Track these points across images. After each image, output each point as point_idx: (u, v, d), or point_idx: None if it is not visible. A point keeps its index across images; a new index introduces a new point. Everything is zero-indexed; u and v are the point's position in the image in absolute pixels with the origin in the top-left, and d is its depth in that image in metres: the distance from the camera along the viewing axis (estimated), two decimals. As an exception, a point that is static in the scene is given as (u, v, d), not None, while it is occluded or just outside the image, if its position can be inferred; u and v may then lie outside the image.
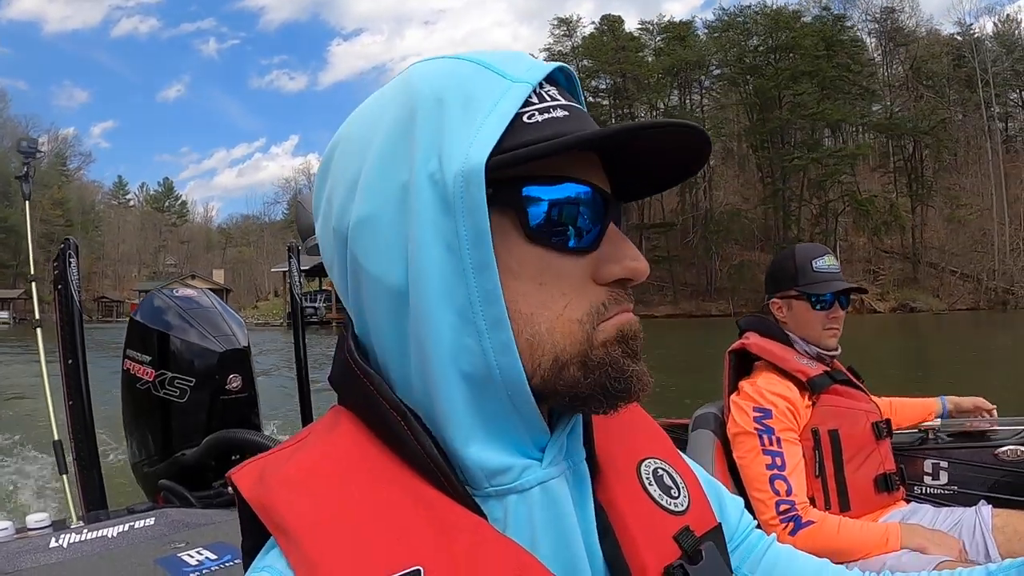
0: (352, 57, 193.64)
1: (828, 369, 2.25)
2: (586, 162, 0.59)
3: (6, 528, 2.19)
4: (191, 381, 2.76)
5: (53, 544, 2.07)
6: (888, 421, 2.28)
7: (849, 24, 71.80)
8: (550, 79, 0.60)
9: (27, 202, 3.18)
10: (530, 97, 0.57)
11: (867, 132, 71.52)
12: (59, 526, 2.29)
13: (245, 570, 0.58)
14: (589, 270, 0.58)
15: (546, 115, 0.56)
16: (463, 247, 0.53)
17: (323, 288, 54.18)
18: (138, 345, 2.84)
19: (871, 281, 61.74)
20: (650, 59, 74.42)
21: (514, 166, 0.53)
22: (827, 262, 2.30)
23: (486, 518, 0.56)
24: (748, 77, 70.95)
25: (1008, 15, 70.83)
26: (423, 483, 0.56)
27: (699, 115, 72.49)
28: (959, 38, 69.87)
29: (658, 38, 77.04)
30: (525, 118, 0.56)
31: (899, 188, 68.59)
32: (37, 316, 3.05)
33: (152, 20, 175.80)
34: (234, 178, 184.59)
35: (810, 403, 2.18)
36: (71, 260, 2.79)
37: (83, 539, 2.12)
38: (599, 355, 0.57)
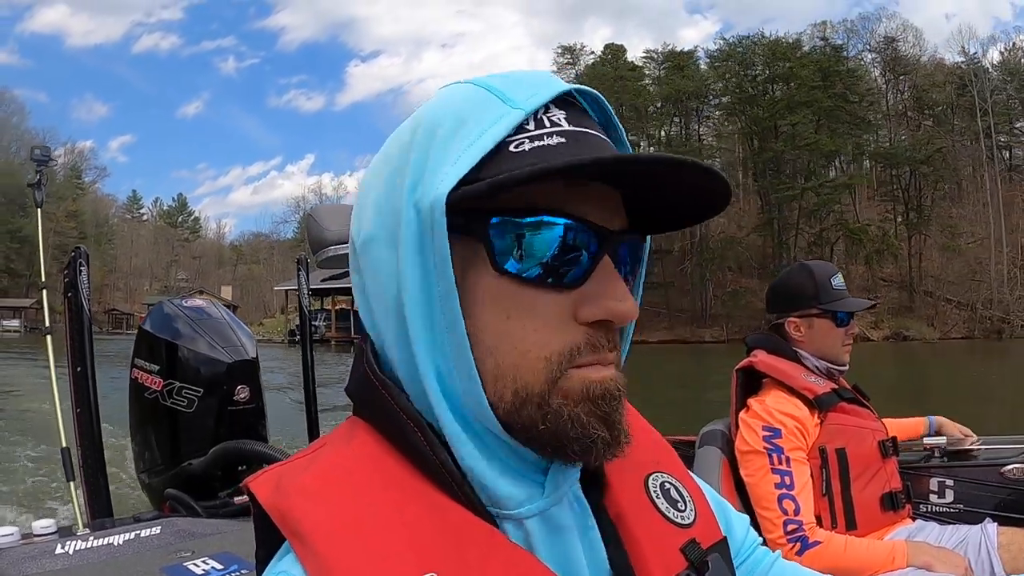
0: (370, 79, 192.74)
1: (835, 387, 2.23)
2: (584, 193, 0.56)
3: (12, 534, 2.18)
4: (199, 391, 2.75)
5: (59, 551, 2.07)
6: (894, 439, 2.26)
7: (849, 54, 71.84)
8: (570, 103, 0.58)
9: (39, 210, 3.18)
10: (527, 123, 0.55)
11: (867, 161, 71.58)
12: (65, 533, 2.27)
13: None
14: (570, 307, 0.56)
15: (536, 143, 0.54)
16: (432, 274, 0.53)
17: (324, 307, 54.73)
18: (146, 354, 2.83)
19: (867, 310, 61.29)
20: (652, 88, 74.64)
21: (479, 198, 0.52)
22: (841, 279, 2.32)
23: (498, 528, 0.56)
24: (746, 107, 70.97)
25: (1014, 43, 71.02)
26: (438, 492, 0.56)
27: (698, 144, 72.48)
28: (962, 66, 69.83)
29: (660, 68, 77.14)
30: (512, 147, 0.54)
31: (897, 217, 68.54)
32: (48, 324, 3.03)
33: (173, 37, 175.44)
34: (249, 195, 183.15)
35: (818, 421, 2.16)
36: (82, 268, 2.78)
37: (89, 546, 2.11)
38: (558, 404, 0.55)
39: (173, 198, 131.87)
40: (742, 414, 2.23)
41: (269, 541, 0.57)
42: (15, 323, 70.16)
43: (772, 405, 2.16)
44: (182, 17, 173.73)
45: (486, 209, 0.54)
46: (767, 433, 2.12)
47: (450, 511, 0.55)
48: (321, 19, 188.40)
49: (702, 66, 75.71)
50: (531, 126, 0.55)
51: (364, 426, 0.61)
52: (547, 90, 0.57)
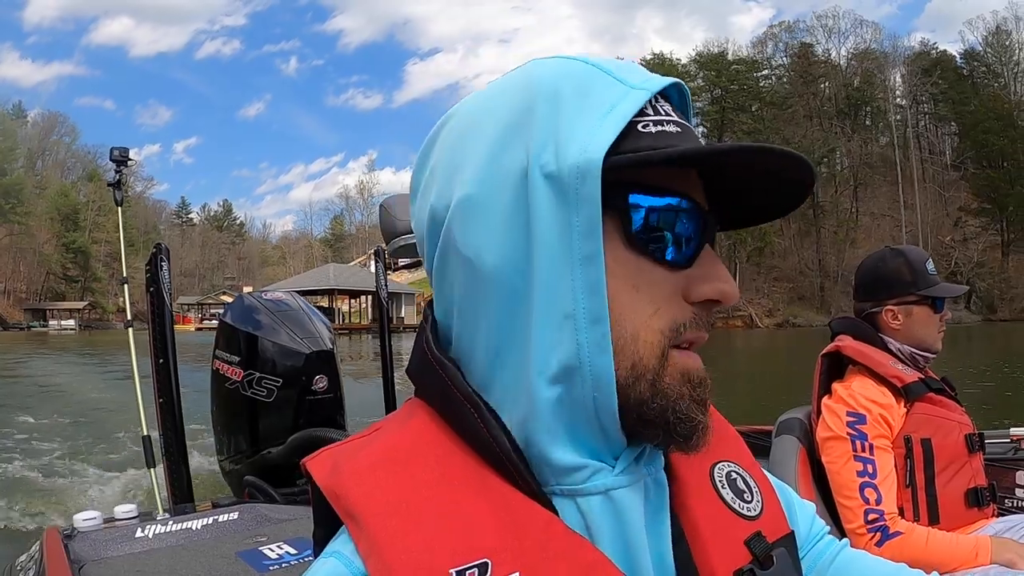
0: (428, 76, 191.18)
1: (923, 377, 2.09)
2: (689, 181, 0.56)
3: (94, 518, 2.18)
4: (278, 381, 2.73)
5: (139, 534, 2.07)
6: (981, 435, 2.10)
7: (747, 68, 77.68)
8: (664, 95, 0.57)
9: (119, 208, 3.19)
10: (644, 107, 0.54)
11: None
12: (146, 517, 2.26)
13: (315, 558, 0.56)
14: (680, 286, 0.55)
15: (660, 127, 0.54)
16: (573, 237, 0.51)
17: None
18: (226, 346, 2.82)
19: (766, 297, 68.44)
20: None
21: (627, 168, 0.51)
22: (933, 265, 2.17)
23: (557, 514, 0.54)
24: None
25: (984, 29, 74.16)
26: (495, 476, 0.54)
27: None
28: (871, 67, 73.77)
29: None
30: (640, 126, 0.53)
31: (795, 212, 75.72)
32: (129, 317, 3.03)
33: (235, 42, 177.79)
34: (310, 192, 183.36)
35: (904, 410, 2.02)
36: (163, 263, 2.77)
37: (168, 530, 2.11)
38: (668, 384, 0.54)
39: (219, 203, 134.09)
40: (825, 399, 2.10)
41: (326, 521, 0.56)
42: (71, 322, 73.29)
43: (858, 390, 2.03)
44: (244, 23, 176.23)
45: (624, 183, 0.53)
46: (851, 419, 1.99)
47: (507, 495, 0.53)
48: (377, 21, 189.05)
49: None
50: (649, 111, 0.54)
51: (423, 407, 0.59)
52: (657, 78, 0.56)
